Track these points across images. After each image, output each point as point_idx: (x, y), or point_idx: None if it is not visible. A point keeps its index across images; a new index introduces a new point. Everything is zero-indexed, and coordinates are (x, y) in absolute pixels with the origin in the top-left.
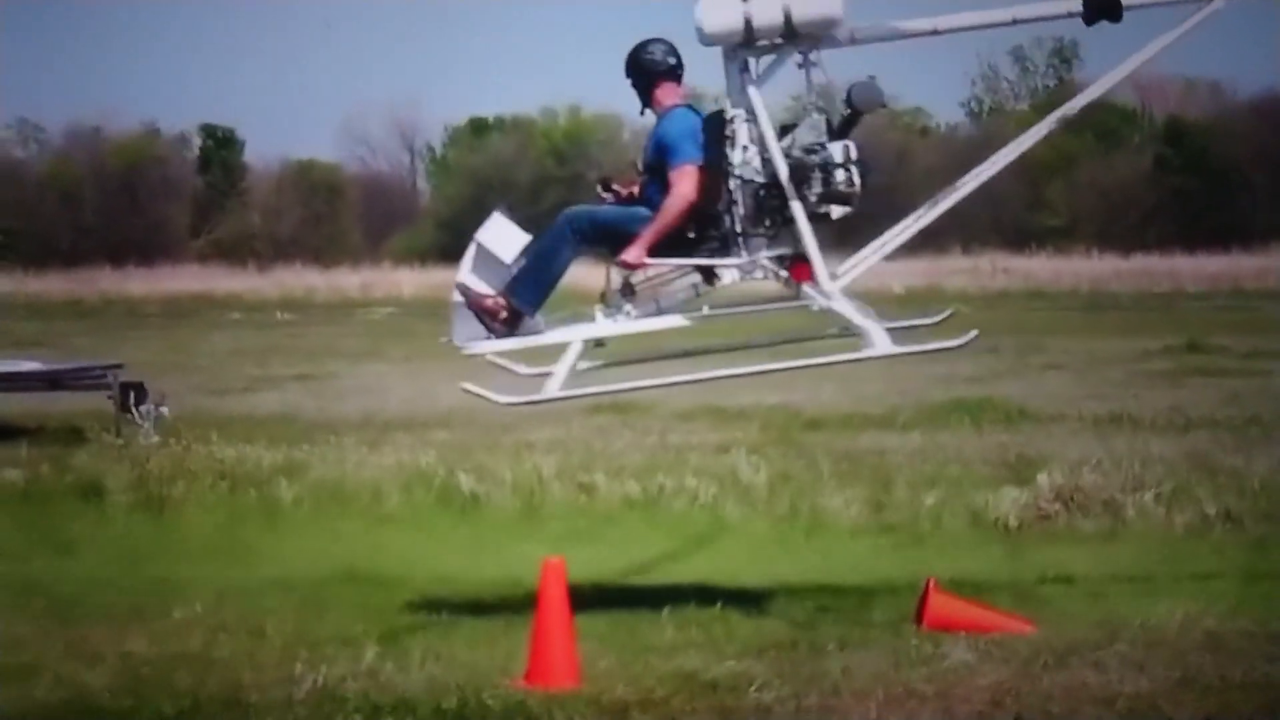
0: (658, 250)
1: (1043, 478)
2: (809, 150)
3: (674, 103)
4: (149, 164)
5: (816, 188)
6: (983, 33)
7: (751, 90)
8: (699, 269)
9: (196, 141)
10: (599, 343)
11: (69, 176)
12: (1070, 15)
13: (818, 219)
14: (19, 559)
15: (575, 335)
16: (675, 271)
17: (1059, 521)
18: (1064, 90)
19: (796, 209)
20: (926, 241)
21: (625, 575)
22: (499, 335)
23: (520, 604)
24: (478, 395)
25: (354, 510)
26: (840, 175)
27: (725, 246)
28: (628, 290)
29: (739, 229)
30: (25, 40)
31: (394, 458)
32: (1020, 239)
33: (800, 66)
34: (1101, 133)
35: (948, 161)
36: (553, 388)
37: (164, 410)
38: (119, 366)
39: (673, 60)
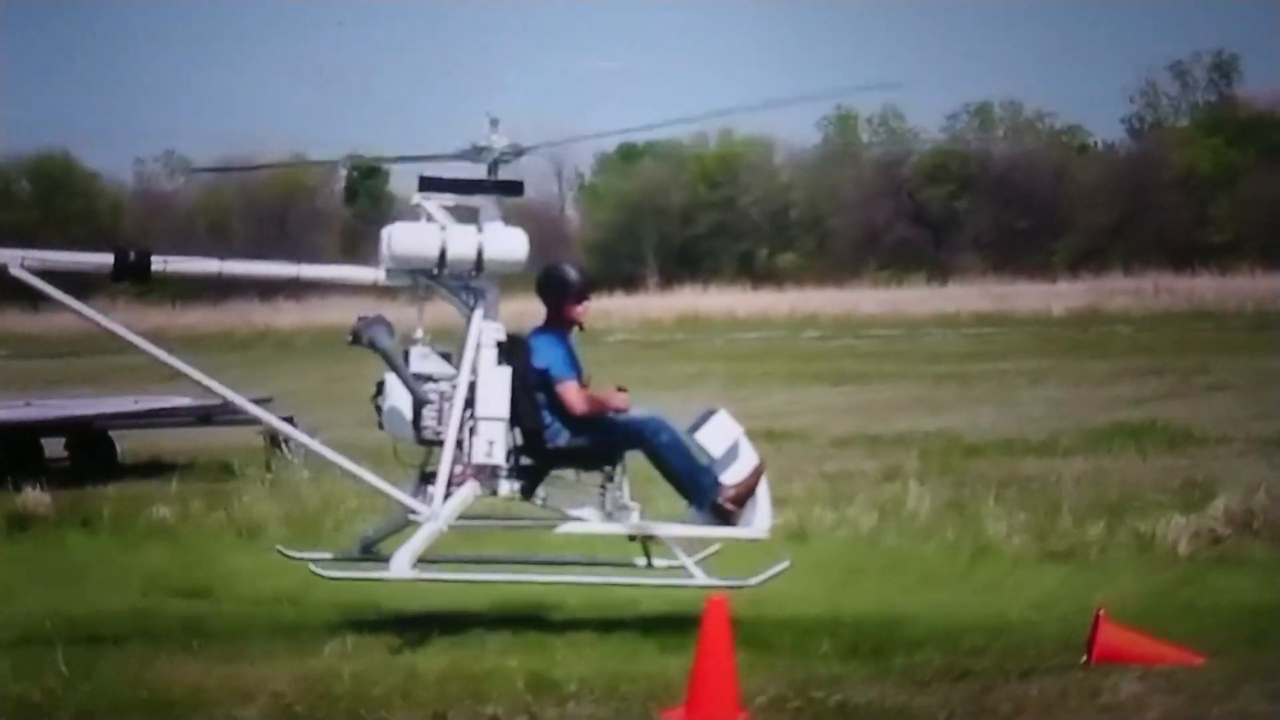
0: None
1: (1218, 502)
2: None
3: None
4: (299, 195)
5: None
6: (1142, 47)
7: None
8: None
9: (343, 172)
10: None
11: (218, 208)
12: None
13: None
14: (172, 595)
15: None
16: None
17: (1230, 546)
18: (1224, 105)
19: None
20: (1087, 261)
21: (786, 608)
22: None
23: (679, 635)
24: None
25: (505, 544)
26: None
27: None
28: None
29: None
30: (169, 72)
31: None
32: (1183, 257)
33: None
34: (1266, 148)
35: (1106, 179)
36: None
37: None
38: (267, 400)
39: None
